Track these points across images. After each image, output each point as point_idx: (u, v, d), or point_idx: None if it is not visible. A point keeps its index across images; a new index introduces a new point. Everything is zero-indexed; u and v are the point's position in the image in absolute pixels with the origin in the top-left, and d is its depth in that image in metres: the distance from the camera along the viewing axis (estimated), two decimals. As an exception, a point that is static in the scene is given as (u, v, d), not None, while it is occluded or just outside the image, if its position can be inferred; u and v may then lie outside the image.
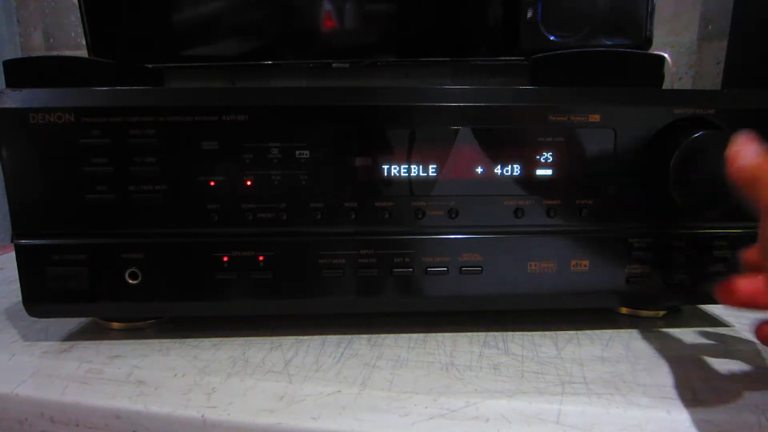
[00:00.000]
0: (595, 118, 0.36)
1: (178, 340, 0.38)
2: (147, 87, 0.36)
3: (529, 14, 0.65)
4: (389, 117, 0.36)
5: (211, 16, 0.72)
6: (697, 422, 0.29)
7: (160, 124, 0.35)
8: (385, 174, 0.36)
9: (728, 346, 0.38)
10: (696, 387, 0.32)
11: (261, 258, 0.37)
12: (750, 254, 0.32)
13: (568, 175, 0.37)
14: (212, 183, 0.36)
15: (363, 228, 0.37)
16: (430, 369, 0.34)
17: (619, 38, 0.65)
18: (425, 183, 0.37)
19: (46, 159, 0.35)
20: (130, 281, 0.36)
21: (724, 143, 0.31)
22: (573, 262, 0.38)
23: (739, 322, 0.41)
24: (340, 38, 0.72)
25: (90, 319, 0.42)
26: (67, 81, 0.42)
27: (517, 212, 0.37)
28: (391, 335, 0.39)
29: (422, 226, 0.37)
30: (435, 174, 0.36)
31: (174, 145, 0.35)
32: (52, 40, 0.90)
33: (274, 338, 0.38)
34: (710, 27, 0.75)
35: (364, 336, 0.39)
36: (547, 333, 0.39)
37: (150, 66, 0.69)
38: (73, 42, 0.88)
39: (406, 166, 0.36)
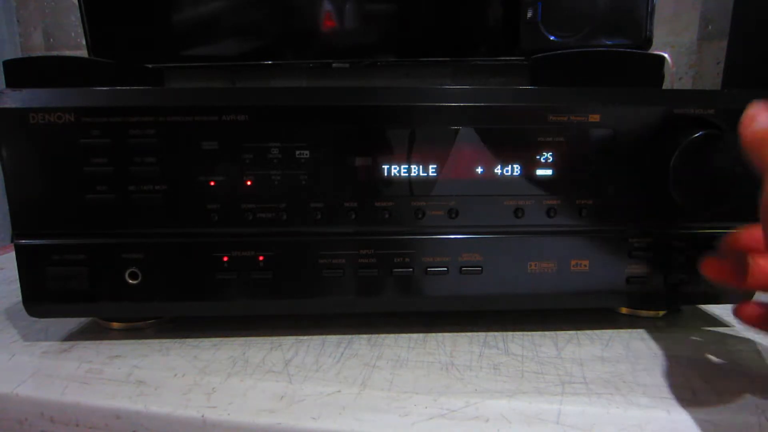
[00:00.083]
0: (595, 118, 0.36)
1: (178, 340, 0.38)
2: (147, 87, 0.36)
3: (529, 14, 0.65)
4: (389, 117, 0.36)
5: (211, 16, 0.72)
6: (697, 422, 0.29)
7: (160, 124, 0.35)
8: (385, 174, 0.36)
9: (728, 346, 0.38)
10: (696, 387, 0.32)
11: (261, 258, 0.37)
12: (739, 236, 0.31)
13: (568, 175, 0.37)
14: (212, 183, 0.36)
15: (363, 228, 0.37)
16: (430, 369, 0.34)
17: (619, 38, 0.65)
18: (425, 183, 0.37)
19: (46, 159, 0.35)
20: (130, 281, 0.36)
21: (723, 143, 0.30)
22: (573, 262, 0.38)
23: (739, 322, 0.41)
24: (340, 38, 0.72)
25: (90, 319, 0.42)
26: (67, 81, 0.42)
27: (517, 212, 0.37)
28: (391, 335, 0.39)
29: (422, 226, 0.37)
30: (435, 174, 0.36)
31: (174, 145, 0.35)
32: (52, 40, 0.90)
33: (274, 338, 0.38)
34: (710, 27, 0.75)
35: (364, 336, 0.39)
36: (547, 333, 0.39)
37: (150, 66, 0.69)
38: (73, 42, 0.88)
39: (406, 166, 0.36)
